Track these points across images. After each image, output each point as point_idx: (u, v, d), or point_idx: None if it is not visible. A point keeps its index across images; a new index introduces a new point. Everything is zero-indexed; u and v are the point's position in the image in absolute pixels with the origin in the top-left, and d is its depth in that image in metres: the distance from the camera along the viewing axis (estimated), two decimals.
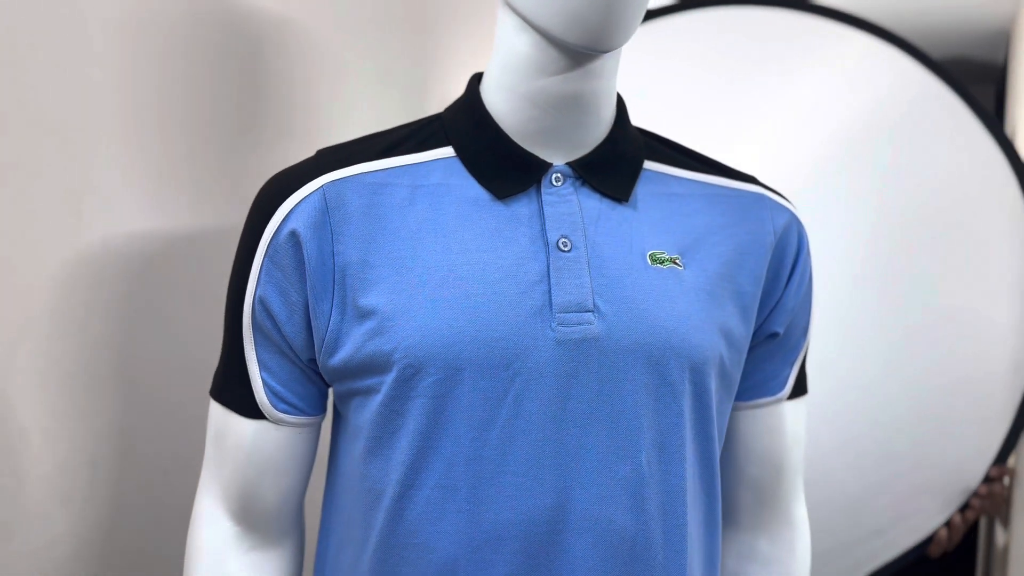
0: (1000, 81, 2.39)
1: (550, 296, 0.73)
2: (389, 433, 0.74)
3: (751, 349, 0.85)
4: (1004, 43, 2.30)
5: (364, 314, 0.73)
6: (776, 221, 0.83)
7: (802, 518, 0.92)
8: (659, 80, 1.37)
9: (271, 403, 0.78)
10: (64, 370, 0.92)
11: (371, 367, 0.73)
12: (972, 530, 1.54)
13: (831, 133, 1.40)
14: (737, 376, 0.82)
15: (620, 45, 0.72)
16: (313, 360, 0.78)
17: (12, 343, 0.87)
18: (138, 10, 0.95)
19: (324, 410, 0.83)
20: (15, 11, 0.83)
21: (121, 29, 0.94)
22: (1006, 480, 1.51)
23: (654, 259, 0.77)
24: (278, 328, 0.76)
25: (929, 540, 1.45)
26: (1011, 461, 1.54)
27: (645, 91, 1.21)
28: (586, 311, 0.73)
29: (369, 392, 0.75)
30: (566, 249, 0.75)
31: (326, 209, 0.74)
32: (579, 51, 0.73)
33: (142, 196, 0.97)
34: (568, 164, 0.78)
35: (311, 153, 0.81)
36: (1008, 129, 2.02)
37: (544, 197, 0.76)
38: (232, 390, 0.79)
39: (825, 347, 1.30)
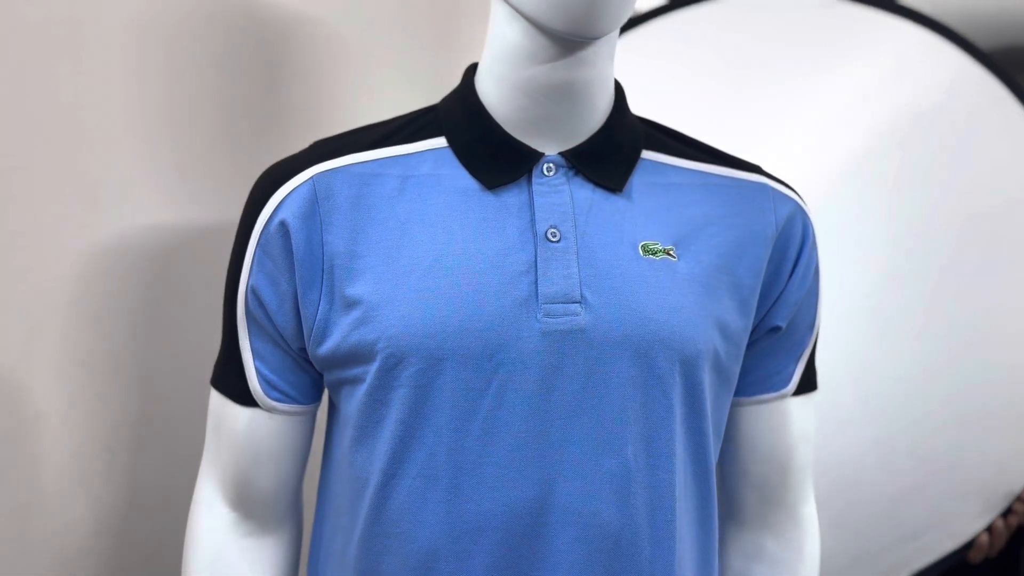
0: None
1: (536, 287, 0.72)
2: (374, 422, 0.74)
3: (753, 343, 0.82)
4: None
5: (351, 304, 0.73)
6: (779, 211, 0.81)
7: (810, 518, 0.89)
8: (679, 80, 1.33)
9: (264, 391, 0.80)
10: (81, 358, 0.94)
11: (356, 357, 0.74)
12: (1017, 535, 1.48)
13: (869, 129, 1.35)
14: (735, 370, 0.80)
15: (607, 32, 0.71)
16: (304, 349, 0.78)
17: (31, 331, 0.90)
18: (157, 4, 0.97)
19: (318, 399, 0.84)
20: (37, 5, 0.86)
21: (140, 23, 0.96)
22: None
23: (646, 250, 0.75)
24: (269, 317, 0.77)
25: (969, 545, 1.39)
26: None
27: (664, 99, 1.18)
28: (573, 302, 0.72)
29: (355, 381, 0.75)
30: (555, 240, 0.74)
31: (315, 199, 0.75)
32: (567, 38, 0.72)
33: (160, 189, 1.00)
34: (561, 154, 0.77)
35: None
36: None
37: (535, 187, 0.75)
38: (229, 378, 0.81)
39: (863, 346, 1.26)
